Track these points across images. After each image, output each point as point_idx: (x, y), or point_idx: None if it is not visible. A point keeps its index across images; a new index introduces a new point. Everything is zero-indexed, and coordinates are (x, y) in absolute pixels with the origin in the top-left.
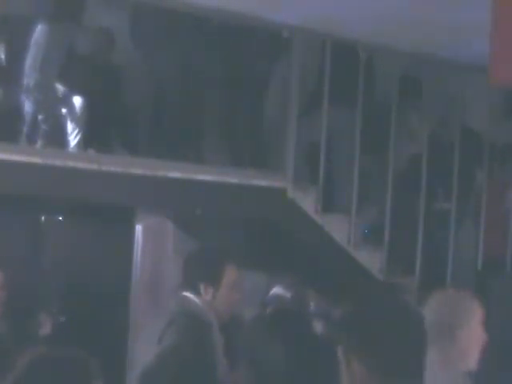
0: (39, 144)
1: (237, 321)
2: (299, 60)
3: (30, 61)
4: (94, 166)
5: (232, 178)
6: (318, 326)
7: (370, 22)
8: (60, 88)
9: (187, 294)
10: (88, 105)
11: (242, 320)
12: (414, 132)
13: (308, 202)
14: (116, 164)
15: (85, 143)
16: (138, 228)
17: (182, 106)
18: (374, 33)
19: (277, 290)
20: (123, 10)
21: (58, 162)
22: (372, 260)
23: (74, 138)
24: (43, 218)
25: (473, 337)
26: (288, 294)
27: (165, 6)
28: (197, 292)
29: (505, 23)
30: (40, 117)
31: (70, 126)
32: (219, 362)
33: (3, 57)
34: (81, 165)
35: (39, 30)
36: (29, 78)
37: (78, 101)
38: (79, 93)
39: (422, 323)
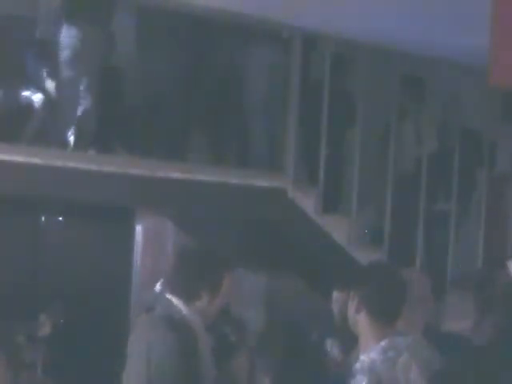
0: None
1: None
2: (299, 61)
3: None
4: (94, 167)
5: (232, 178)
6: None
7: (371, 21)
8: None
9: (172, 297)
10: (96, 105)
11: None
12: (417, 133)
13: (308, 202)
14: (116, 164)
15: (86, 143)
16: (138, 228)
17: (182, 106)
18: (374, 32)
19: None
20: (124, 12)
21: (58, 162)
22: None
23: (75, 138)
24: (43, 217)
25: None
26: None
27: (164, 7)
28: (189, 297)
29: (504, 23)
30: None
31: (74, 126)
32: (207, 371)
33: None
34: (81, 165)
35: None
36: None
37: (88, 101)
38: (90, 93)
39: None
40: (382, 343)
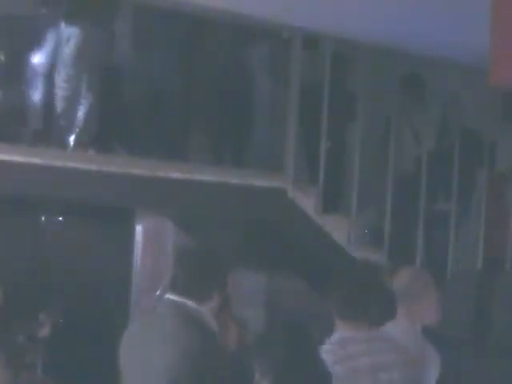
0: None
1: None
2: (299, 60)
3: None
4: (94, 167)
5: (232, 178)
6: None
7: (370, 21)
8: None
9: (183, 299)
10: (96, 105)
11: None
12: (417, 133)
13: (308, 202)
14: (116, 164)
15: (86, 143)
16: (138, 228)
17: (182, 106)
18: (374, 32)
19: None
20: (125, 12)
21: (58, 162)
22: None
23: (75, 138)
24: (43, 217)
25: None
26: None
27: (164, 6)
28: (202, 299)
29: (504, 23)
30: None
31: (74, 126)
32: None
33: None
34: (81, 165)
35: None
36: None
37: (88, 101)
38: (90, 93)
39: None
40: (332, 337)
